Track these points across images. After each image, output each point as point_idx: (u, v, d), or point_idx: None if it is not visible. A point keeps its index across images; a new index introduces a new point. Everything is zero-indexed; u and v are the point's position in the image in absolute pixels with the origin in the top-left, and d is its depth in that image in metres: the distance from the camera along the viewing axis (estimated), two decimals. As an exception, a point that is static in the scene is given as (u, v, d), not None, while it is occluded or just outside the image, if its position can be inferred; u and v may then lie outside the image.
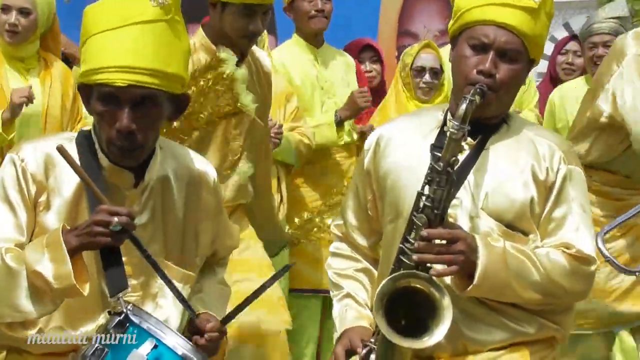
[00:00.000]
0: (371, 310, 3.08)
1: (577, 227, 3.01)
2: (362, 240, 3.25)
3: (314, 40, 5.74)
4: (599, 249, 2.76)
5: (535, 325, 3.01)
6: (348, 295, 3.18)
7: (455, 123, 2.79)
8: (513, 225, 2.99)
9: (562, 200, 3.02)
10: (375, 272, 3.24)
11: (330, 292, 3.26)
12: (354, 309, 3.15)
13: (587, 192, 3.10)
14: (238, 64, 4.19)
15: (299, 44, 5.69)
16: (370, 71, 6.35)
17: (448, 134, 2.80)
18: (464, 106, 2.82)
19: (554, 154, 3.04)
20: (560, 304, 3.06)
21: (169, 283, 2.90)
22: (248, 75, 4.24)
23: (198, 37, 4.22)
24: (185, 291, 3.04)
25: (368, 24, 8.21)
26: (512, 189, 2.99)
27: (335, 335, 3.14)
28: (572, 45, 6.75)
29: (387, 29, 8.71)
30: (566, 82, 6.53)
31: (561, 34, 7.93)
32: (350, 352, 3.04)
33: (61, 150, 2.79)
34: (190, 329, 3.00)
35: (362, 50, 6.35)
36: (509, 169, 3.01)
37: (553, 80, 6.82)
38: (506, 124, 3.08)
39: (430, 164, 2.83)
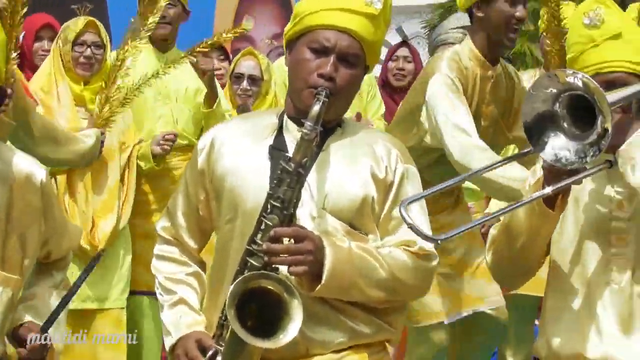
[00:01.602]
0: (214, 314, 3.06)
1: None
2: (191, 242, 3.21)
3: (160, 45, 5.70)
4: (401, 214, 2.84)
5: (373, 326, 3.05)
6: (181, 301, 3.13)
7: (309, 124, 2.83)
8: (354, 225, 3.02)
9: (401, 198, 3.05)
10: (204, 275, 3.22)
11: (159, 297, 3.20)
12: (189, 315, 3.11)
13: (422, 189, 3.16)
14: None
15: (146, 48, 5.62)
16: (219, 69, 6.34)
17: (300, 134, 2.83)
18: (316, 107, 2.86)
19: (391, 154, 3.09)
20: (401, 300, 3.12)
21: None
22: None
23: None
24: (6, 294, 2.96)
25: (203, 27, 8.18)
26: (352, 188, 3.02)
27: (169, 341, 3.10)
28: (403, 51, 6.85)
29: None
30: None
31: (394, 38, 8.08)
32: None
33: None
34: (15, 339, 2.96)
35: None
36: (348, 169, 3.04)
37: (385, 86, 6.92)
38: (340, 127, 3.12)
39: (281, 164, 2.85)
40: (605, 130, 2.73)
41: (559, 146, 2.82)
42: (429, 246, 3.05)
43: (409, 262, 3.01)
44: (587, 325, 3.03)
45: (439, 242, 2.92)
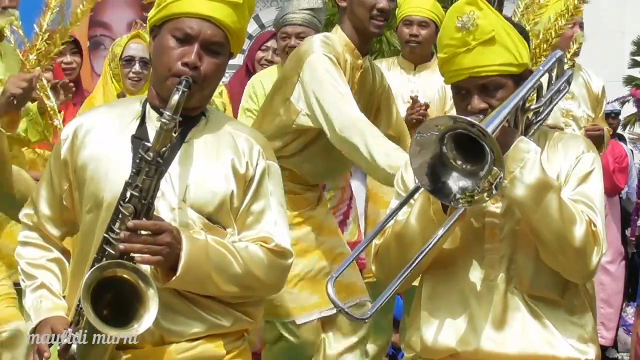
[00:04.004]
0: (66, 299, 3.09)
1: (275, 221, 3.09)
2: (54, 231, 3.19)
3: None
4: (328, 294, 2.87)
5: (231, 318, 3.06)
6: (42, 286, 3.12)
7: (168, 113, 2.82)
8: (213, 218, 3.03)
9: (261, 194, 3.08)
10: (67, 262, 3.20)
11: (22, 282, 3.17)
12: (49, 299, 3.09)
13: (282, 186, 3.18)
14: None
15: None
16: (71, 62, 6.21)
17: (160, 124, 2.83)
18: (176, 97, 2.85)
19: (253, 149, 3.10)
20: (255, 296, 3.13)
21: None
22: None
23: None
24: None
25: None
26: (213, 182, 3.03)
27: (29, 326, 3.07)
28: (273, 43, 6.80)
29: (77, 18, 8.55)
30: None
31: (251, 26, 8.02)
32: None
33: None
34: None
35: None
36: (210, 162, 3.04)
37: (249, 74, 6.87)
38: (205, 117, 3.12)
39: (139, 153, 2.84)
40: (494, 158, 2.76)
41: (460, 188, 2.85)
42: (285, 243, 3.08)
43: (265, 259, 3.03)
44: (462, 320, 3.08)
45: (365, 320, 2.95)
